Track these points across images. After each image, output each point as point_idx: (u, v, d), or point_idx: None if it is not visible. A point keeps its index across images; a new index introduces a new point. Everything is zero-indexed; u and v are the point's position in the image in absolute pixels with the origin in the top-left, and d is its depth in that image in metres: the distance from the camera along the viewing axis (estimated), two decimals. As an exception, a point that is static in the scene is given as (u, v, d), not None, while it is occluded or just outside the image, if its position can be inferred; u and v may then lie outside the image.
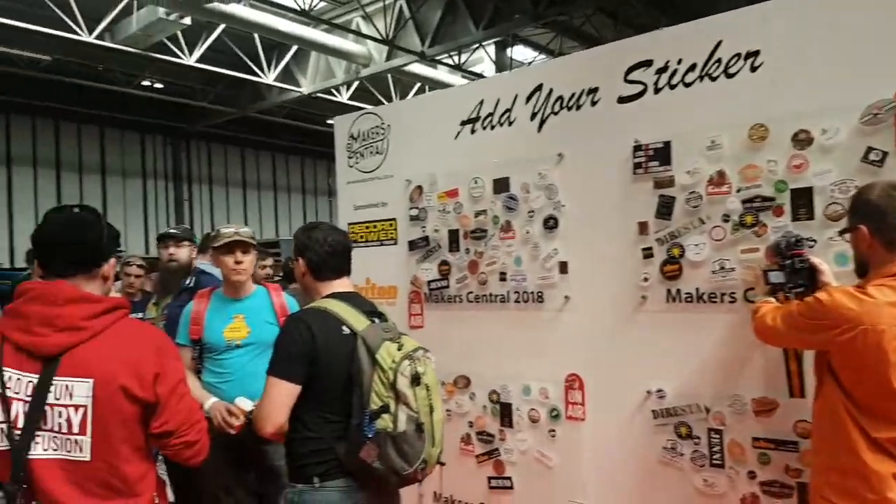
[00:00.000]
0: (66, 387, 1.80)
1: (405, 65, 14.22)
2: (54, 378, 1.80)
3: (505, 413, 3.40)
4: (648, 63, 2.92)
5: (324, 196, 26.06)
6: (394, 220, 3.89)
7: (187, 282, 3.84)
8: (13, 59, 14.74)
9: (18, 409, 1.80)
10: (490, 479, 3.43)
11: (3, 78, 15.93)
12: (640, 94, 2.95)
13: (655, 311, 2.88)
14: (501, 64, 15.35)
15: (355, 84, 16.60)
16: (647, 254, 2.91)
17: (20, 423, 1.79)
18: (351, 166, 4.05)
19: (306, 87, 16.18)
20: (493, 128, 3.44)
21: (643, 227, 2.93)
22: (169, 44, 13.41)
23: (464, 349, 3.52)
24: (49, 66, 15.28)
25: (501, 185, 3.39)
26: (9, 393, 1.80)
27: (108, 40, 12.97)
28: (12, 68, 15.13)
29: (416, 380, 2.18)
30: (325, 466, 2.22)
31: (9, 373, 1.81)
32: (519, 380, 3.34)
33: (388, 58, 14.01)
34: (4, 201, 18.36)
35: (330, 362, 2.24)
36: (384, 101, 17.45)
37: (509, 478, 3.38)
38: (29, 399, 1.79)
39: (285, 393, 2.21)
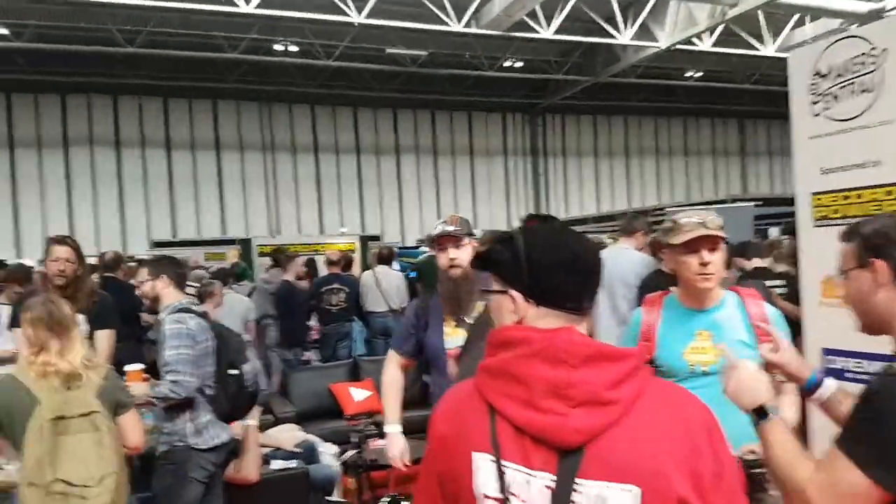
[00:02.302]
0: (599, 496, 1.14)
1: (785, -7, 12.11)
2: (577, 480, 1.14)
3: None
4: None
5: (679, 156, 24.48)
6: (894, 185, 2.79)
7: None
8: (396, 59, 16.49)
9: None
10: None
11: (390, 76, 18.05)
12: None
13: None
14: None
15: (719, 28, 14.84)
16: None
17: None
18: (817, 114, 3.05)
19: (664, 40, 14.99)
20: None
21: None
22: (528, 20, 13.51)
23: None
24: (424, 60, 16.76)
25: None
26: (515, 502, 1.18)
27: (473, 27, 13.59)
28: (395, 67, 16.96)
29: None
30: None
31: (511, 470, 1.19)
32: None
33: (762, -11, 12.07)
34: (394, 189, 20.95)
35: None
36: (756, 45, 15.34)
37: None
38: None
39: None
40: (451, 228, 2.79)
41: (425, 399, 3.51)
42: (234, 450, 3.46)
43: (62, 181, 17.54)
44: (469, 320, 2.71)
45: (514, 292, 1.26)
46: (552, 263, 1.25)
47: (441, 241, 2.80)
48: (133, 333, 5.54)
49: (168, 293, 3.19)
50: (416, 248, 13.74)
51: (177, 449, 3.09)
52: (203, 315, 3.26)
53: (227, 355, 3.25)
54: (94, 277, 5.41)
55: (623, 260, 4.52)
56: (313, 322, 7.48)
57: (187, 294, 3.38)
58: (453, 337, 2.77)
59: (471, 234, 2.84)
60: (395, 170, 20.92)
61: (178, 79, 17.01)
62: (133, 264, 7.51)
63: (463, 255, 2.74)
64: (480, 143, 21.94)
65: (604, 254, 4.12)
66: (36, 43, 13.95)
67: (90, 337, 3.60)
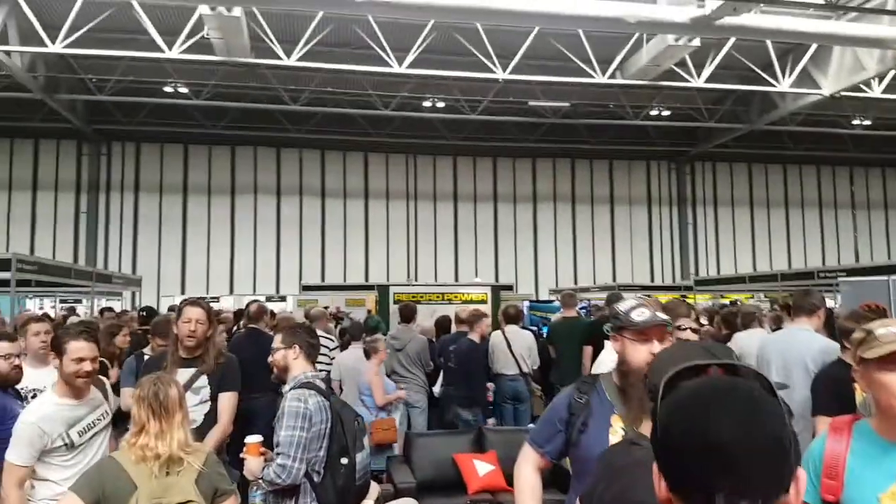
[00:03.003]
0: None
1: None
2: None
3: None
4: None
5: (846, 209, 22.44)
6: None
7: None
8: (538, 111, 16.62)
9: None
10: None
11: (532, 127, 18.20)
12: None
13: None
14: None
15: (891, 74, 13.59)
16: None
17: None
18: None
19: (827, 87, 13.95)
20: None
21: None
22: (676, 69, 13.13)
23: None
24: (566, 111, 16.75)
25: None
26: None
27: (618, 77, 13.41)
28: (536, 118, 17.08)
29: None
30: None
31: None
32: None
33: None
34: (529, 237, 20.88)
35: None
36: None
37: None
38: None
39: None
40: (662, 317, 2.21)
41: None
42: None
43: (227, 225, 19.16)
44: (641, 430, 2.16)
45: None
46: (694, 449, 0.89)
47: (647, 332, 2.19)
48: (273, 385, 5.74)
49: (297, 364, 3.13)
50: (550, 302, 13.52)
51: None
52: (326, 389, 3.15)
53: (340, 440, 3.02)
54: (240, 327, 5.71)
55: (803, 345, 4.08)
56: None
57: (315, 366, 3.24)
58: None
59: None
60: (531, 219, 20.89)
61: (333, 132, 18.18)
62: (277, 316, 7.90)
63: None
64: (622, 192, 21.42)
65: (777, 336, 3.63)
66: (212, 101, 15.52)
67: (213, 398, 3.63)
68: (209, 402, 3.65)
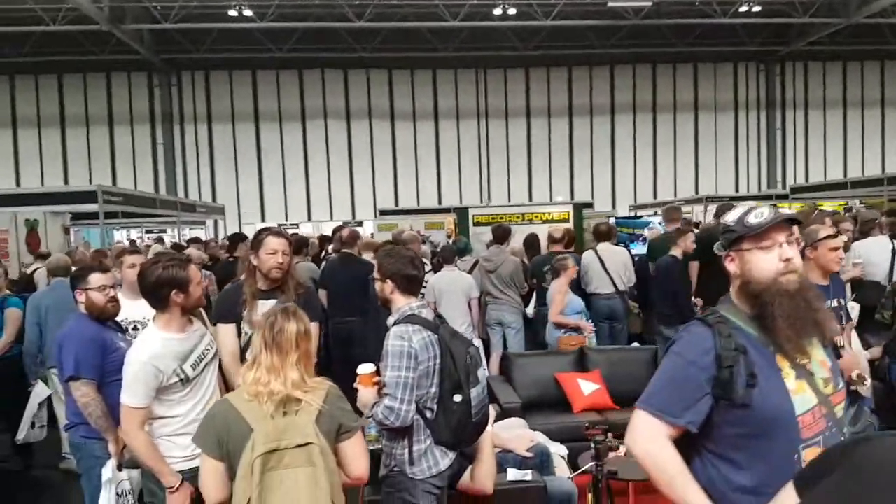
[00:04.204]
0: None
1: None
2: None
3: None
4: None
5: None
6: None
7: None
8: (617, 12, 15.51)
9: None
10: None
11: (610, 31, 17.12)
12: None
13: None
14: None
15: None
16: None
17: None
18: None
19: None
20: None
21: None
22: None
23: None
24: (648, 11, 15.58)
25: None
26: None
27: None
28: (615, 21, 15.99)
29: None
30: None
31: None
32: None
33: None
34: (606, 152, 20.02)
35: None
36: None
37: None
38: None
39: None
40: (787, 212, 1.94)
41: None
42: (468, 455, 2.99)
43: (300, 152, 19.10)
44: (813, 367, 1.76)
45: None
46: None
47: (770, 235, 1.76)
48: (366, 308, 5.60)
49: (397, 297, 2.86)
50: (637, 217, 12.87)
51: (395, 475, 2.78)
52: (434, 321, 2.86)
53: (452, 376, 2.77)
54: (328, 252, 5.55)
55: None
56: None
57: (418, 298, 2.94)
58: (801, 394, 1.73)
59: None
60: (609, 132, 19.96)
61: (400, 49, 17.58)
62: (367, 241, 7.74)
63: (798, 256, 1.78)
64: (707, 97, 20.12)
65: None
66: (276, 22, 15.14)
67: None
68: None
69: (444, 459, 2.80)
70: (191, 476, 2.57)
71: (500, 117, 19.56)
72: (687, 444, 1.79)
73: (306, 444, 2.16)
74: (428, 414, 2.75)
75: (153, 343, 2.67)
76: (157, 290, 2.69)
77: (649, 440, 1.78)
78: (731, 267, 1.81)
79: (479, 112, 19.49)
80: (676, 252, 5.97)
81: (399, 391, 2.65)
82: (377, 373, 2.78)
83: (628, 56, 18.85)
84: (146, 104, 18.68)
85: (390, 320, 2.86)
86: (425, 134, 19.38)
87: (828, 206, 14.90)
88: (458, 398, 2.75)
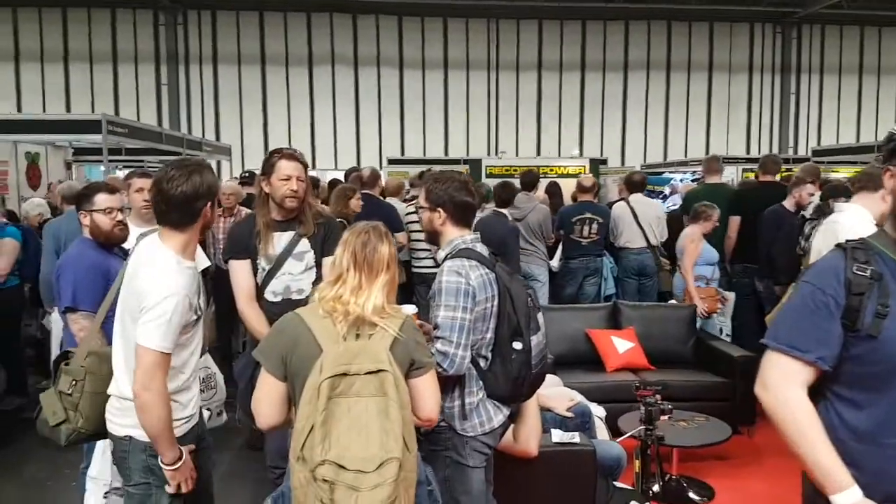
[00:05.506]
0: None
1: None
2: None
3: None
4: None
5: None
6: None
7: None
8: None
9: None
10: None
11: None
12: None
13: None
14: None
15: None
16: None
17: None
18: None
19: None
20: None
21: None
22: None
23: None
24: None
25: None
26: None
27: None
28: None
29: None
30: None
31: None
32: None
33: None
34: (618, 109, 19.71)
35: None
36: None
37: None
38: None
39: None
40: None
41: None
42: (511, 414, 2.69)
43: (306, 97, 18.73)
44: None
45: None
46: None
47: None
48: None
49: (449, 228, 2.55)
50: (660, 174, 12.68)
51: (443, 430, 2.47)
52: (490, 258, 2.55)
53: (511, 320, 2.47)
54: (355, 196, 5.41)
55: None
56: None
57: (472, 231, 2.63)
58: None
59: None
60: (621, 89, 19.62)
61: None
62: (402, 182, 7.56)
63: None
64: (722, 58, 19.74)
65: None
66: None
67: (318, 264, 3.09)
68: (314, 269, 3.10)
69: (497, 415, 2.53)
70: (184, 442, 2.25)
71: (510, 69, 19.17)
72: (813, 388, 1.62)
73: (378, 370, 1.95)
74: (482, 363, 2.48)
75: (179, 272, 2.20)
76: (191, 203, 2.21)
77: (777, 384, 1.60)
78: (890, 183, 1.62)
79: (489, 63, 19.09)
80: (788, 203, 5.40)
81: (455, 334, 2.35)
82: (418, 315, 2.44)
83: (644, 12, 18.42)
84: (151, 43, 18.23)
85: (440, 254, 2.59)
86: (434, 83, 19.00)
87: (844, 171, 14.56)
88: (517, 345, 2.47)
